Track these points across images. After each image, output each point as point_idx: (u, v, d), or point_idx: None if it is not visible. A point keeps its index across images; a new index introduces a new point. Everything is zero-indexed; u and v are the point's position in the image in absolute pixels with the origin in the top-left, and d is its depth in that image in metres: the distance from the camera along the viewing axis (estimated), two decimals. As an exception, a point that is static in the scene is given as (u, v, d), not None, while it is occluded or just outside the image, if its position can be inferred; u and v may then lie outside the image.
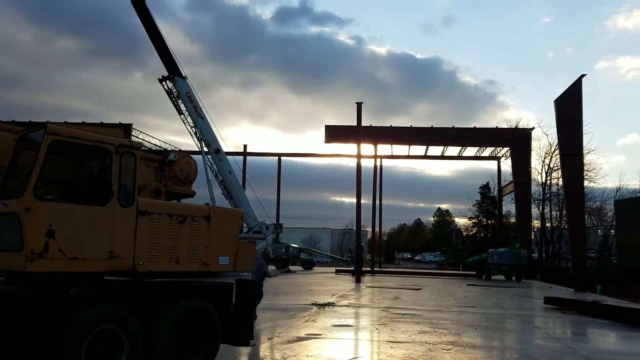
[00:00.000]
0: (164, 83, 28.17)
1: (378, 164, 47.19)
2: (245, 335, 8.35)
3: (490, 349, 10.80)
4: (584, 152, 34.61)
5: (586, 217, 39.76)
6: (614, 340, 12.64)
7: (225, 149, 29.33)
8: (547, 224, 51.53)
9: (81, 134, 6.90)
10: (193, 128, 28.53)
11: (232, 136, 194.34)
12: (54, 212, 6.42)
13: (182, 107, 28.31)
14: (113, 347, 6.58)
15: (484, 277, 38.65)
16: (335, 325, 12.68)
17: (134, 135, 42.80)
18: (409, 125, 45.17)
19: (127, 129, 42.32)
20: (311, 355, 9.33)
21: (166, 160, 8.48)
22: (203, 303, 7.81)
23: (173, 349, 7.26)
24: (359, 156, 36.63)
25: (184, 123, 28.90)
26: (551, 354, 10.05)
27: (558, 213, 50.08)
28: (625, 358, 9.82)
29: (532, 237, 50.23)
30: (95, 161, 7.13)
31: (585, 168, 39.45)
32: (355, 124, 35.56)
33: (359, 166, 35.75)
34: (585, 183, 37.34)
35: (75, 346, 6.14)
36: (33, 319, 6.16)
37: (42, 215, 6.29)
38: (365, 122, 41.13)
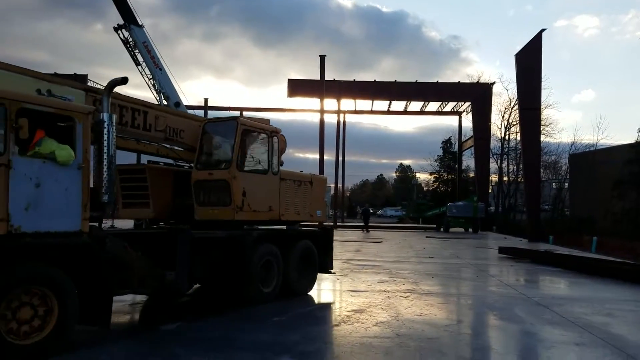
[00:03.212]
0: (119, 32, 27.11)
1: (341, 120, 47.12)
2: (329, 266, 11.62)
3: (447, 296, 11.18)
4: (542, 106, 35.33)
5: (541, 170, 41.02)
6: (563, 287, 13.26)
7: (185, 102, 28.70)
8: (505, 178, 52.98)
9: (255, 124, 9.70)
10: (151, 80, 27.72)
11: (193, 90, 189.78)
12: (245, 179, 9.12)
13: (139, 57, 27.39)
14: (269, 271, 9.63)
15: (442, 229, 39.76)
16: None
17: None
18: (373, 80, 45.04)
19: (82, 79, 40.83)
20: (275, 305, 9.52)
21: None
22: (310, 243, 10.84)
23: (297, 273, 10.34)
24: (322, 111, 36.49)
25: (142, 75, 28.06)
26: (504, 300, 10.46)
27: (515, 167, 51.49)
28: (572, 302, 10.32)
29: (490, 190, 51.66)
30: (262, 142, 9.76)
31: (543, 122, 40.43)
32: (318, 78, 35.20)
33: (322, 121, 35.66)
34: (542, 137, 38.29)
35: (255, 267, 9.19)
36: (237, 248, 8.98)
37: (240, 181, 8.98)
38: (331, 78, 40.84)
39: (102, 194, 6.84)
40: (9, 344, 5.52)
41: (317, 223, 12.00)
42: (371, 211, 47.03)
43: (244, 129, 9.20)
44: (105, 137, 6.94)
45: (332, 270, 11.83)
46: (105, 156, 6.93)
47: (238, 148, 9.01)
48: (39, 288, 5.80)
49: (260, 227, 9.97)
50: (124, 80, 7.45)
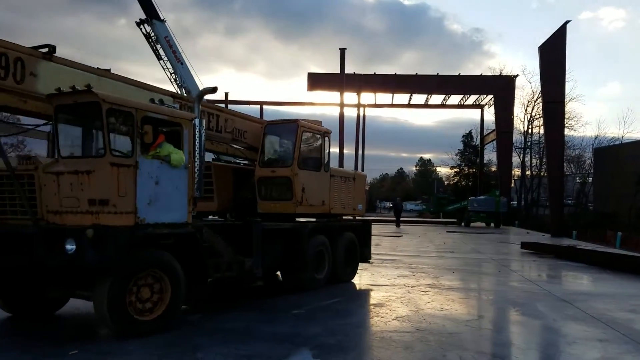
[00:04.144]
0: (142, 26, 27.31)
1: (361, 113, 46.82)
2: (368, 256, 12.56)
3: (467, 291, 11.10)
4: (565, 99, 34.72)
5: (565, 164, 40.37)
6: (587, 282, 13.06)
7: (206, 96, 28.77)
8: (527, 172, 52.28)
9: (312, 126, 10.53)
10: (173, 74, 27.88)
11: (214, 84, 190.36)
12: (304, 177, 10.02)
13: (161, 52, 27.56)
14: (321, 259, 10.56)
15: (463, 224, 39.42)
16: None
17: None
18: (394, 73, 44.72)
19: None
20: (294, 298, 9.54)
21: None
22: (353, 234, 11.78)
23: (342, 261, 11.23)
24: (341, 104, 36.38)
25: (164, 69, 28.21)
26: (526, 295, 10.35)
27: (538, 161, 50.75)
28: (595, 298, 10.17)
29: (512, 185, 51.03)
30: (317, 142, 10.63)
31: (567, 116, 39.74)
32: (339, 72, 35.09)
33: (341, 115, 35.57)
34: (566, 131, 37.66)
35: (311, 256, 10.13)
36: (296, 238, 9.90)
37: (300, 178, 9.91)
38: (351, 71, 40.58)
39: (195, 190, 7.54)
40: (135, 320, 6.47)
41: (358, 216, 12.82)
42: (403, 207, 45.48)
43: (303, 131, 10.14)
44: (197, 139, 7.68)
45: (370, 260, 12.75)
46: (197, 157, 7.63)
47: (299, 148, 9.96)
48: (157, 271, 6.74)
49: (312, 220, 10.81)
50: (214, 90, 8.72)
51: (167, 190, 6.89)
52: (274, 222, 9.63)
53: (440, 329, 7.35)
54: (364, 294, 10.24)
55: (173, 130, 7.27)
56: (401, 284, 11.29)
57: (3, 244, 6.50)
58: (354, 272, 11.84)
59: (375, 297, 9.76)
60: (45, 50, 6.90)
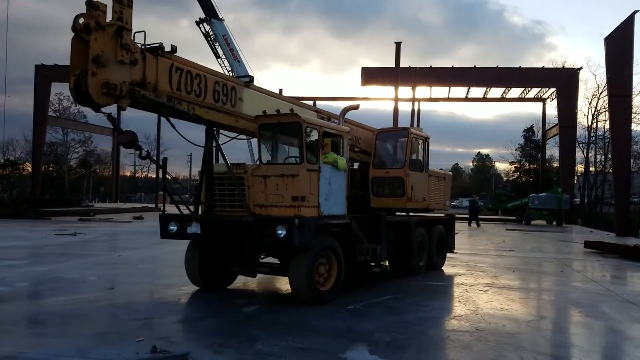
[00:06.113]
0: (201, 25, 28.06)
1: (416, 108, 46.09)
2: (453, 247, 14.01)
3: (528, 291, 10.82)
4: (633, 93, 33.03)
5: (632, 160, 38.49)
6: (656, 284, 12.44)
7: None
8: (591, 168, 50.20)
9: (418, 133, 12.12)
10: (230, 72, 28.49)
11: (269, 80, 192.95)
12: (412, 177, 11.54)
13: (219, 50, 28.23)
14: (422, 249, 12.07)
15: (523, 221, 38.28)
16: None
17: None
18: (450, 66, 43.82)
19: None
20: (348, 293, 9.58)
21: None
22: (442, 227, 13.30)
23: (436, 250, 12.78)
24: (396, 99, 35.94)
25: (222, 67, 28.91)
26: (589, 296, 9.98)
27: (603, 157, 48.64)
28: (666, 301, 9.68)
29: (575, 181, 49.08)
30: (421, 147, 12.14)
31: (634, 110, 37.82)
32: (393, 66, 34.71)
33: (396, 110, 35.12)
34: (633, 126, 35.82)
35: (416, 245, 11.69)
36: (404, 229, 11.49)
37: (410, 178, 11.45)
38: (406, 65, 40.08)
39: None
40: (319, 290, 8.35)
41: (446, 211, 14.38)
42: (480, 203, 41.27)
43: (412, 137, 11.63)
44: (342, 147, 9.39)
45: (454, 251, 14.35)
46: None
47: (410, 151, 11.42)
48: (329, 252, 8.59)
49: (414, 215, 12.29)
50: (357, 107, 10.86)
51: (335, 189, 8.76)
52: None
53: (499, 329, 7.22)
54: (419, 291, 10.15)
55: (337, 141, 9.20)
56: (458, 282, 11.13)
57: (225, 230, 8.44)
58: (444, 261, 13.36)
59: (430, 295, 9.66)
60: (247, 79, 8.87)
